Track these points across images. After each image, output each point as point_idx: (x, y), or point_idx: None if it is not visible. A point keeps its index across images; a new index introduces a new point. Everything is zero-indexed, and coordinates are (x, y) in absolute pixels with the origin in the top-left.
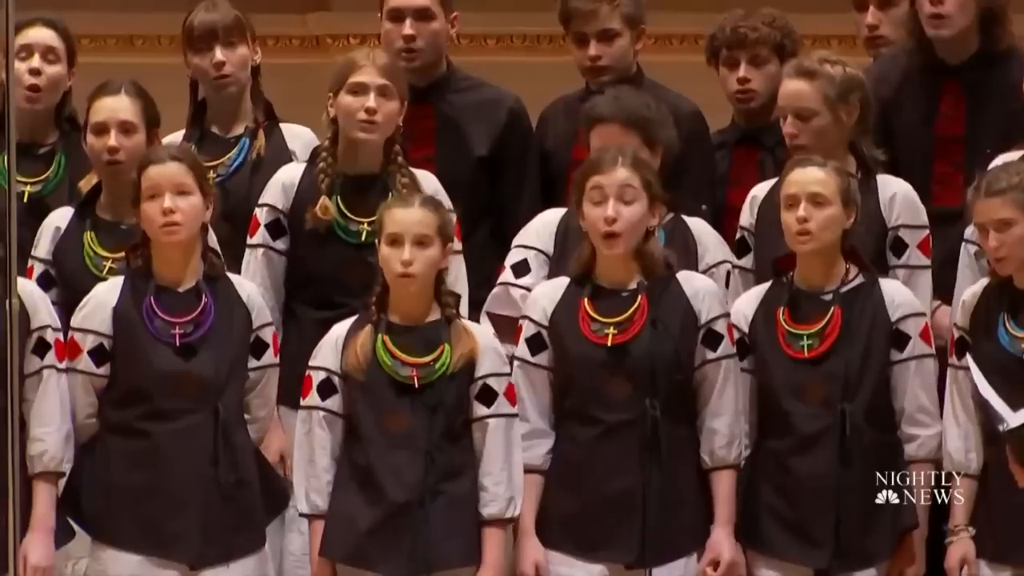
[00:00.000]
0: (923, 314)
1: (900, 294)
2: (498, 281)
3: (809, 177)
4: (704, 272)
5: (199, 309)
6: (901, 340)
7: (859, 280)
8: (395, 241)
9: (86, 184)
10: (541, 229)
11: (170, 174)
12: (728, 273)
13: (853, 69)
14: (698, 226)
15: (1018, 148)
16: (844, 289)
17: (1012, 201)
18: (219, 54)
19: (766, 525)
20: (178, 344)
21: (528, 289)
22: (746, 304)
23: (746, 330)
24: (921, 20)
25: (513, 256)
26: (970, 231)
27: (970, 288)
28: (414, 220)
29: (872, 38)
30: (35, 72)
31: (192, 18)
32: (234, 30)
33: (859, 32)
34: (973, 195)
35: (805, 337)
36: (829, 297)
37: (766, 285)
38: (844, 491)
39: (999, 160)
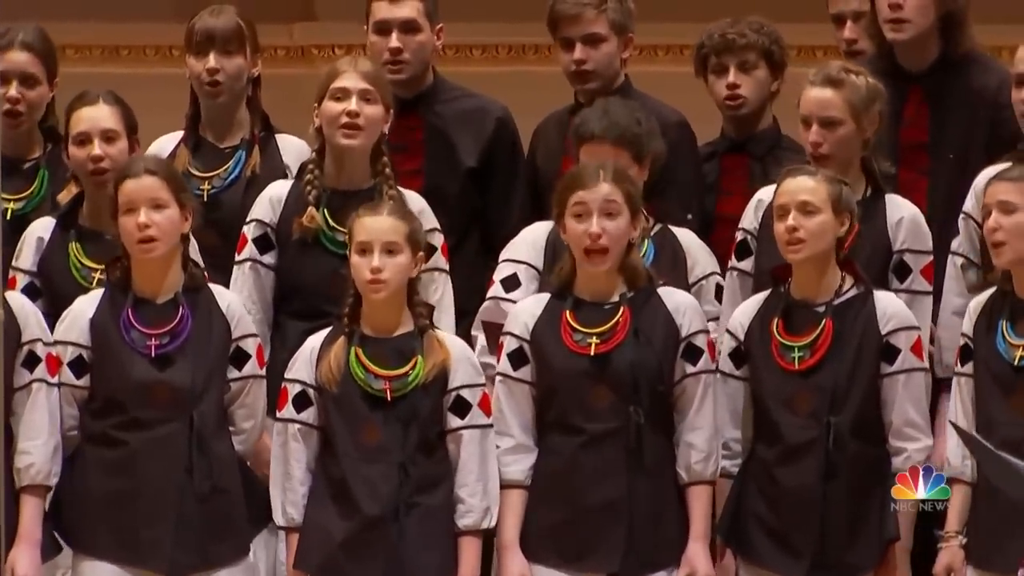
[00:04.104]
0: (915, 328)
1: (892, 306)
2: (488, 295)
3: (798, 186)
4: (693, 284)
5: (176, 320)
6: (891, 353)
7: (853, 292)
8: (364, 250)
9: (65, 195)
10: (531, 243)
11: (145, 188)
12: (717, 285)
13: (873, 80)
14: (686, 237)
15: (1006, 159)
16: (837, 301)
17: (1020, 188)
18: (213, 61)
19: (752, 532)
20: (153, 355)
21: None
22: (743, 313)
23: (742, 339)
24: (880, 25)
25: (502, 270)
26: (957, 243)
27: (977, 296)
28: (383, 228)
29: (851, 52)
30: (14, 100)
31: (196, 21)
32: (233, 39)
33: (839, 46)
34: (988, 183)
35: (797, 349)
36: (822, 309)
37: (764, 294)
38: (828, 503)
39: (987, 172)
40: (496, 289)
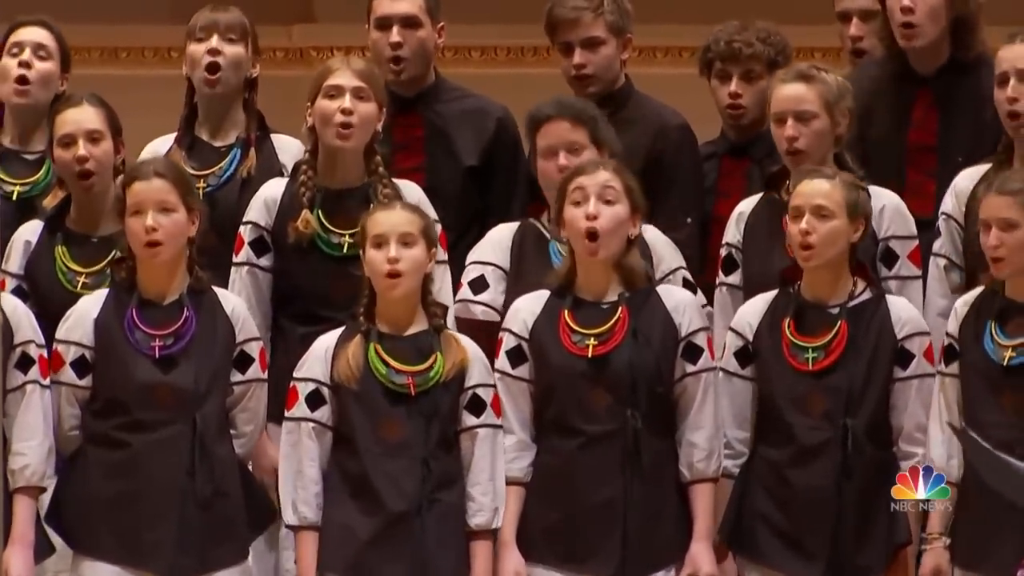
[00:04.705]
0: (927, 333)
1: (906, 311)
2: (456, 298)
3: (814, 189)
4: (660, 280)
5: (180, 321)
6: (905, 358)
7: (866, 295)
8: (380, 243)
9: (51, 200)
10: (496, 243)
11: (154, 191)
12: (684, 280)
13: (842, 78)
14: (650, 234)
15: (985, 161)
16: (851, 304)
17: (1020, 204)
18: (215, 42)
19: (760, 534)
20: (157, 356)
21: (487, 305)
22: (751, 312)
23: (750, 338)
24: (893, 30)
25: (469, 273)
26: (938, 244)
27: (963, 296)
28: (399, 220)
29: (856, 50)
30: (25, 65)
31: (198, 14)
32: (236, 29)
33: (843, 44)
34: (984, 190)
35: (810, 350)
36: (836, 311)
37: (772, 294)
38: (842, 505)
39: (966, 172)
40: (464, 292)
